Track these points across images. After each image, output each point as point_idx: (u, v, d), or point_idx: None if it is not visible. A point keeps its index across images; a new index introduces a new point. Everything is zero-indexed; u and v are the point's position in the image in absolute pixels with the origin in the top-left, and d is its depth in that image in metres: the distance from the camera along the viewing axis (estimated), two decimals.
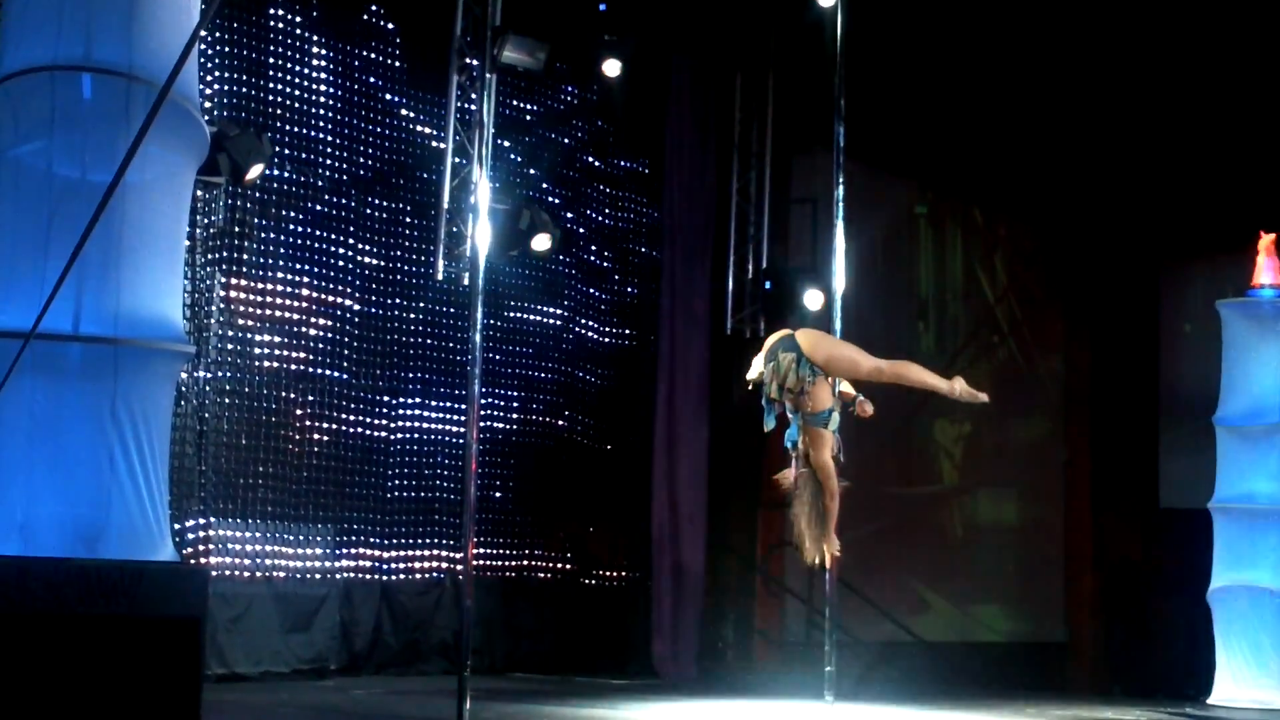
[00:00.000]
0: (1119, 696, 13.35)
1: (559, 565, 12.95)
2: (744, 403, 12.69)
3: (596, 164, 13.48)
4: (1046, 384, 16.58)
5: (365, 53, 11.75)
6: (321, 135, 11.43)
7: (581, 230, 13.25)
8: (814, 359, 7.78)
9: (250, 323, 10.92)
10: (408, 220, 11.92)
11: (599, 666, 12.78)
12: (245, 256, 10.88)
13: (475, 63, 11.51)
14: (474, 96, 11.55)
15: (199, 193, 9.95)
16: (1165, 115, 14.83)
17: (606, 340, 13.47)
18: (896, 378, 8.04)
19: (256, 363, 10.95)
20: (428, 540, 11.91)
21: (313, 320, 11.29)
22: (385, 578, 11.62)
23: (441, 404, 12.05)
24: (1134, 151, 15.27)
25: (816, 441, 7.89)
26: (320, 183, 11.40)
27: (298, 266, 11.21)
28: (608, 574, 13.39)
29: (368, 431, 11.60)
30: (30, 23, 7.00)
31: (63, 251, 6.32)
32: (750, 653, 13.73)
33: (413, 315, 11.92)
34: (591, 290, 13.32)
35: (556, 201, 12.92)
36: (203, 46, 10.11)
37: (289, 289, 11.15)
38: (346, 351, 11.49)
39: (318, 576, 11.19)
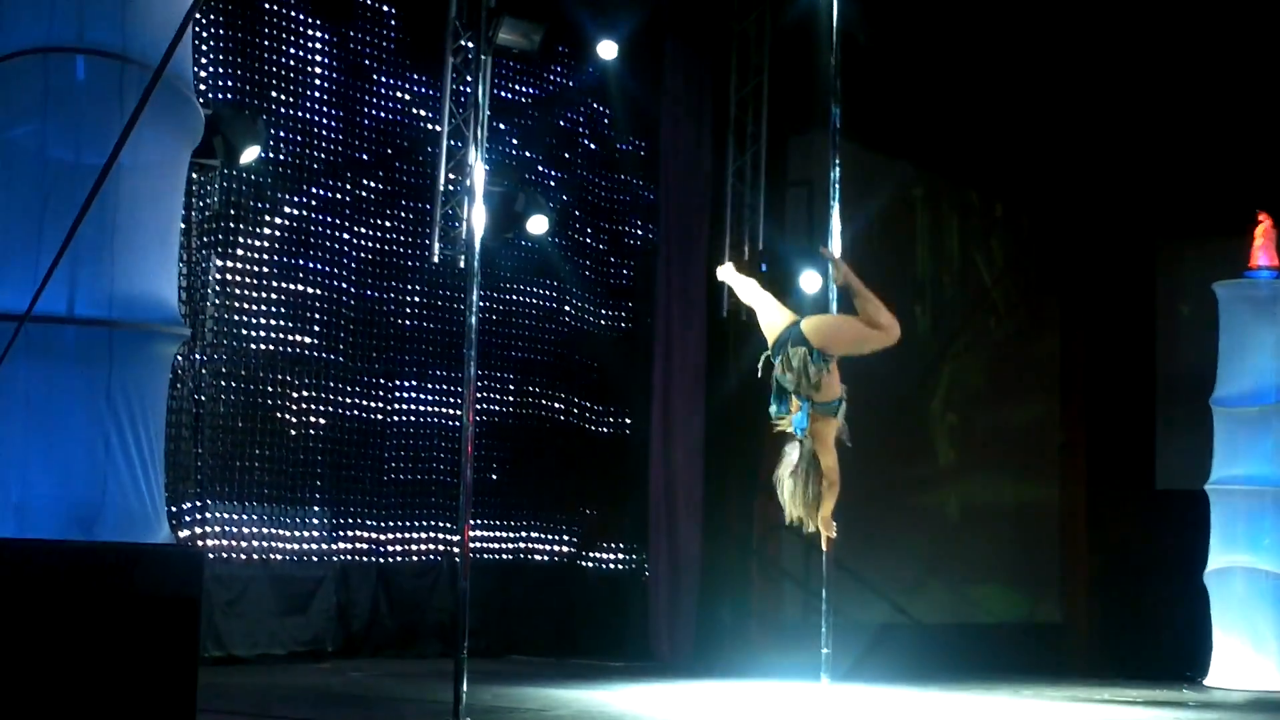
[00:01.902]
0: (1115, 678, 13.34)
1: (556, 547, 12.96)
2: (741, 385, 12.75)
3: (592, 146, 13.45)
4: (1043, 366, 16.55)
5: (360, 35, 11.73)
6: (316, 118, 11.41)
7: (577, 212, 13.23)
8: (824, 349, 7.82)
9: (245, 305, 10.91)
10: (403, 203, 11.90)
11: (596, 649, 12.78)
12: (240, 239, 10.87)
13: (470, 45, 11.49)
14: (469, 79, 11.52)
15: (194, 175, 9.94)
16: (1162, 96, 14.80)
17: (602, 322, 13.46)
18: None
19: (252, 345, 10.93)
20: (424, 522, 11.91)
21: (308, 303, 11.28)
22: (382, 560, 11.62)
23: (438, 386, 12.04)
24: (1131, 133, 15.24)
25: (824, 429, 7.90)
26: (315, 165, 11.38)
27: (293, 249, 11.19)
28: (604, 556, 13.40)
29: (364, 414, 11.60)
30: (23, 4, 6.97)
31: (57, 234, 6.30)
32: (747, 635, 13.71)
33: (408, 298, 11.91)
34: (587, 273, 13.31)
35: (552, 184, 12.90)
36: (197, 28, 10.09)
37: (284, 271, 11.14)
38: (342, 334, 11.48)
39: (314, 559, 11.20)
